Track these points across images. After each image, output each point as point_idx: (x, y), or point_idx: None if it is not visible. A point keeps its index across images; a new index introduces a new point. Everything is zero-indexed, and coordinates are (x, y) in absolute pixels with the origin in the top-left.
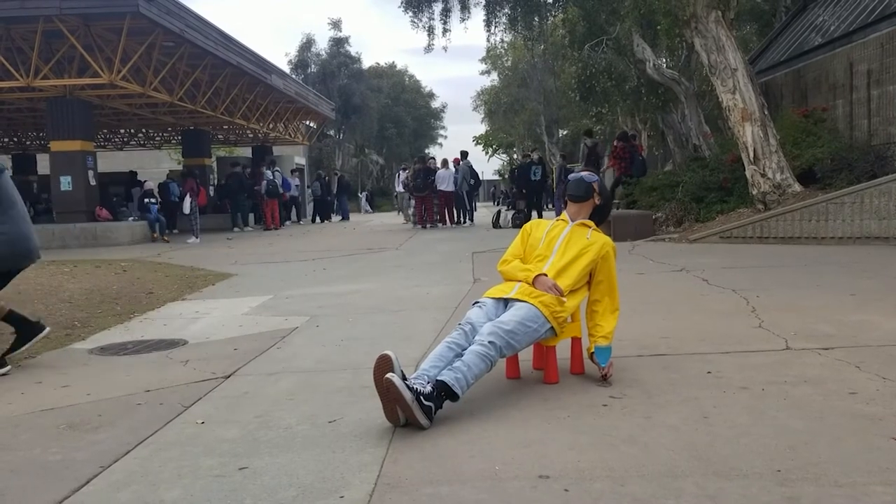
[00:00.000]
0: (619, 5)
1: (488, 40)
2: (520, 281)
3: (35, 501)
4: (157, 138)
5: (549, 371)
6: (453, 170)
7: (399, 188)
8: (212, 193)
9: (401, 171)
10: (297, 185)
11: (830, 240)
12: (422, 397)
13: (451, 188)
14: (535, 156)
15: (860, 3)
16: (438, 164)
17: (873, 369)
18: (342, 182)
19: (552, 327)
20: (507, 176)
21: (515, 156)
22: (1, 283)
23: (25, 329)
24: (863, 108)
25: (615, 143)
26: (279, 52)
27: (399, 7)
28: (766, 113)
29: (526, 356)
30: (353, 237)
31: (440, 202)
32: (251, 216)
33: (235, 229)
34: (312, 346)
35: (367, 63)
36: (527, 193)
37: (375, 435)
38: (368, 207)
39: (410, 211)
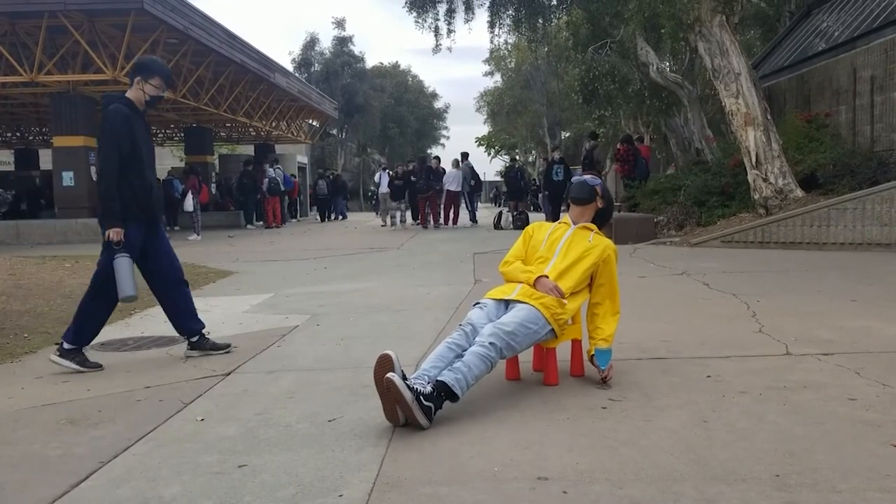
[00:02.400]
0: (624, 8)
1: (492, 41)
2: (521, 282)
3: (34, 496)
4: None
5: (548, 373)
6: (467, 169)
7: (382, 189)
8: (213, 191)
9: (382, 172)
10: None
11: (832, 245)
12: (422, 397)
13: (458, 188)
14: (556, 155)
15: (864, 9)
16: (447, 166)
17: (873, 375)
18: (338, 182)
19: (553, 329)
20: (503, 177)
21: (517, 157)
22: None
23: None
24: (866, 114)
25: (618, 146)
26: (283, 51)
27: (403, 7)
28: (768, 118)
29: (526, 358)
30: (355, 236)
31: (446, 202)
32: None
33: (249, 226)
34: (313, 344)
35: (370, 63)
36: (549, 195)
37: (375, 434)
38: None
39: (398, 216)
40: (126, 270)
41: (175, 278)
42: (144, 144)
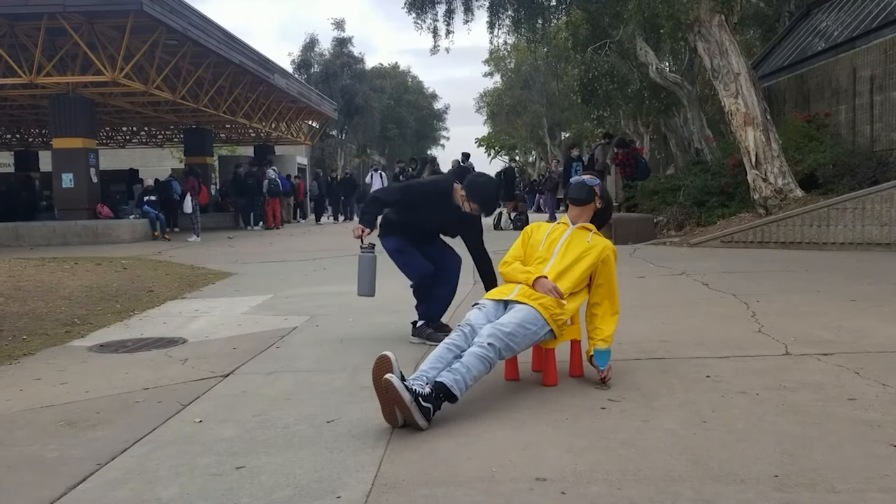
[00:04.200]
0: (623, 9)
1: (491, 42)
2: (520, 283)
3: (31, 498)
4: (160, 136)
5: (547, 373)
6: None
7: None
8: (213, 192)
9: (372, 172)
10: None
11: (831, 245)
12: (420, 398)
13: None
14: (575, 152)
15: (864, 8)
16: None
17: (872, 375)
18: (350, 182)
19: (551, 330)
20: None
21: (517, 157)
22: None
23: None
24: (865, 114)
25: (616, 151)
26: (282, 52)
27: (402, 8)
28: (768, 118)
29: (525, 358)
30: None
31: None
32: (250, 215)
33: (248, 227)
34: (311, 345)
35: (370, 63)
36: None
37: (373, 435)
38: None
39: None
40: (365, 269)
41: (436, 273)
42: (429, 220)
